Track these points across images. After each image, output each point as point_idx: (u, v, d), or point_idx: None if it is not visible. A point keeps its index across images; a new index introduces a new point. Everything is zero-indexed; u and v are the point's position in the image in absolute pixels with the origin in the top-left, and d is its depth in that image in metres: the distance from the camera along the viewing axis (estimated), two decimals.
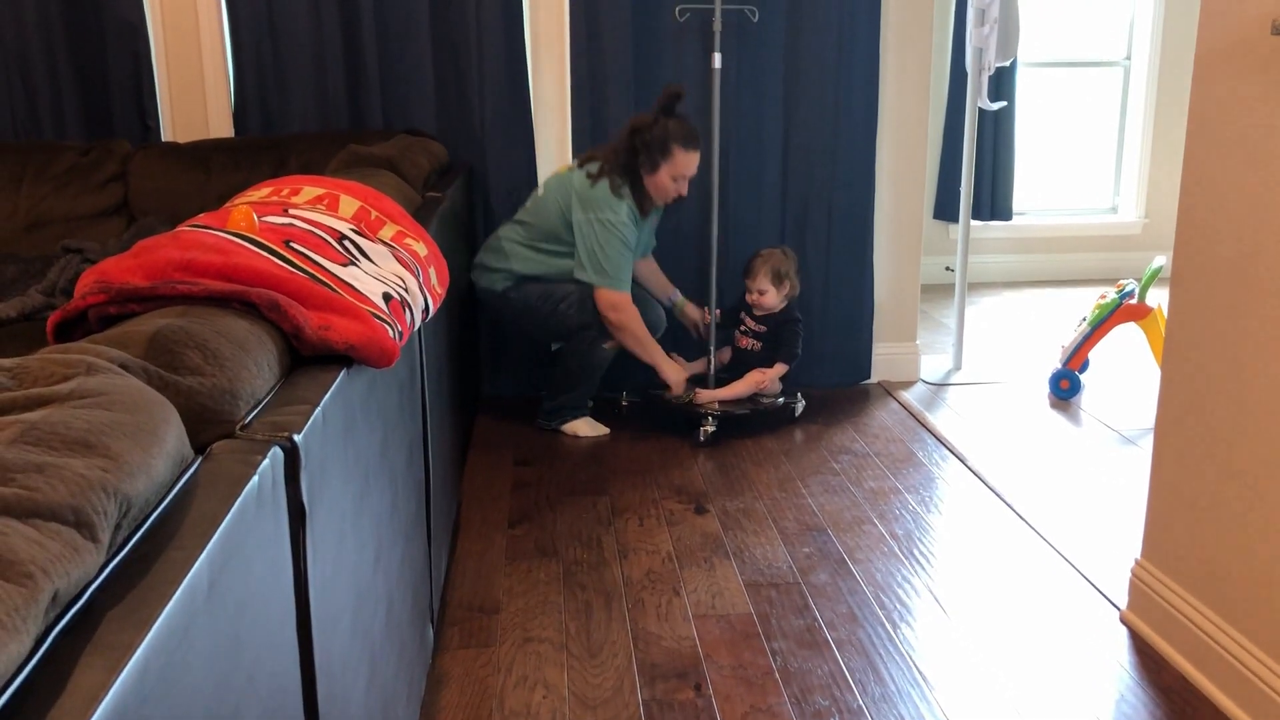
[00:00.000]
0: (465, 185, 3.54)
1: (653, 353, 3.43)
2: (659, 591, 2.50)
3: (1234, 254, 1.97)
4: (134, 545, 0.80)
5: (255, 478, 0.95)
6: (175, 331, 1.13)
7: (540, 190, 3.47)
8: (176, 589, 0.75)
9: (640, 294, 3.51)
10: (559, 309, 3.36)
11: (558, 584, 2.54)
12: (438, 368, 2.40)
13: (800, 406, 3.65)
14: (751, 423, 3.58)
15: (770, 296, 3.50)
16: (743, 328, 3.60)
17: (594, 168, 3.33)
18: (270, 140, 3.51)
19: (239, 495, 0.91)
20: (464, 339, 3.28)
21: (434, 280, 1.98)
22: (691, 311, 3.68)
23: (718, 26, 3.43)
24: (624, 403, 3.68)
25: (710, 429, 3.39)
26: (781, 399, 3.59)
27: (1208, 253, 2.05)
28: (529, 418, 3.64)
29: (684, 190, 3.37)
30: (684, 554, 2.68)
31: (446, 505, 2.55)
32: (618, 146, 3.34)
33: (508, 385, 3.88)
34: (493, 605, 2.45)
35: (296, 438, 1.06)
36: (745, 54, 3.65)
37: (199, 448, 1.03)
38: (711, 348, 3.58)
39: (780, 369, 3.56)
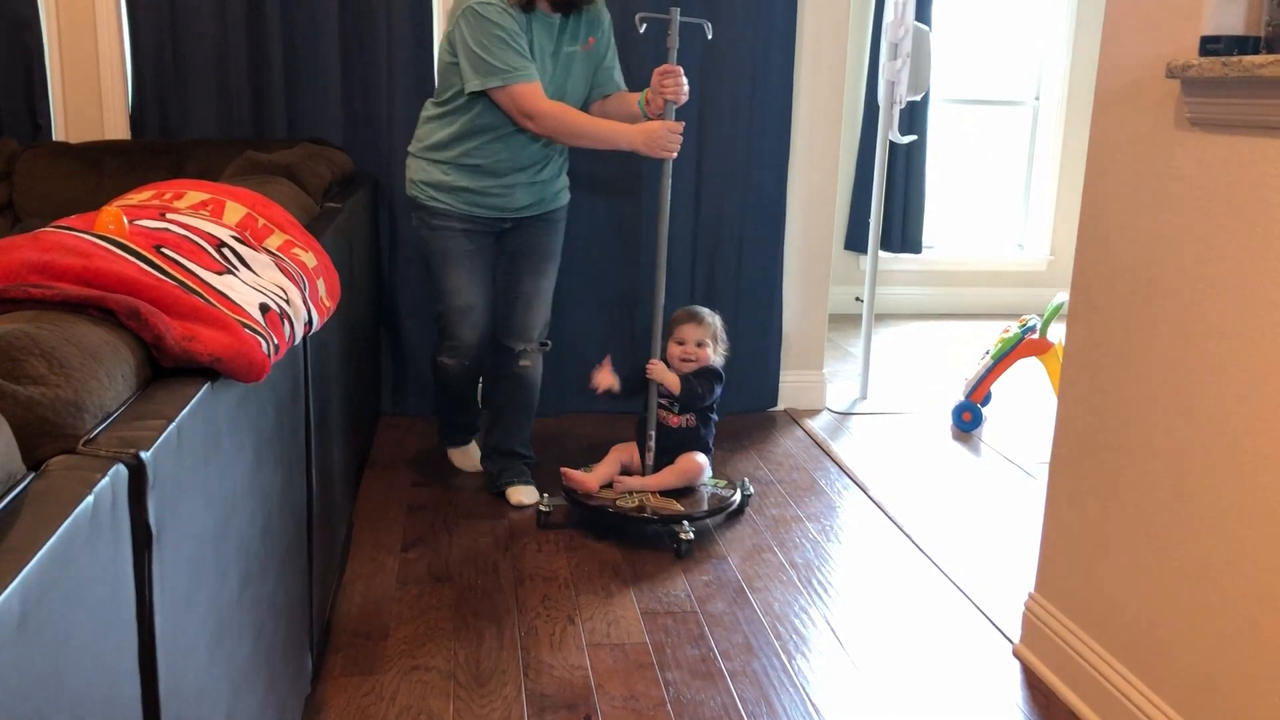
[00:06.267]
0: (369, 198, 3.46)
1: (604, 132, 2.74)
2: (553, 619, 2.44)
3: (1130, 292, 1.99)
4: None
5: (90, 498, 0.88)
6: (19, 337, 1.05)
7: None
8: None
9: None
10: (433, 272, 2.92)
11: (449, 610, 2.47)
12: (328, 384, 2.32)
13: (751, 492, 3.13)
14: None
15: (708, 350, 2.96)
16: (663, 402, 2.97)
17: None
18: (168, 145, 3.39)
19: (67, 517, 0.83)
20: (363, 354, 3.20)
21: (322, 293, 1.90)
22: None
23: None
24: (544, 509, 2.93)
25: (687, 536, 2.75)
26: (737, 494, 3.00)
27: (1105, 290, 2.08)
28: (430, 438, 3.55)
29: None
30: (581, 581, 2.63)
31: (334, 528, 2.46)
32: None
33: (410, 404, 3.79)
34: (380, 631, 2.36)
35: (144, 455, 0.99)
36: None
37: (35, 463, 0.95)
38: (651, 431, 2.95)
39: (699, 460, 2.96)
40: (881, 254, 5.44)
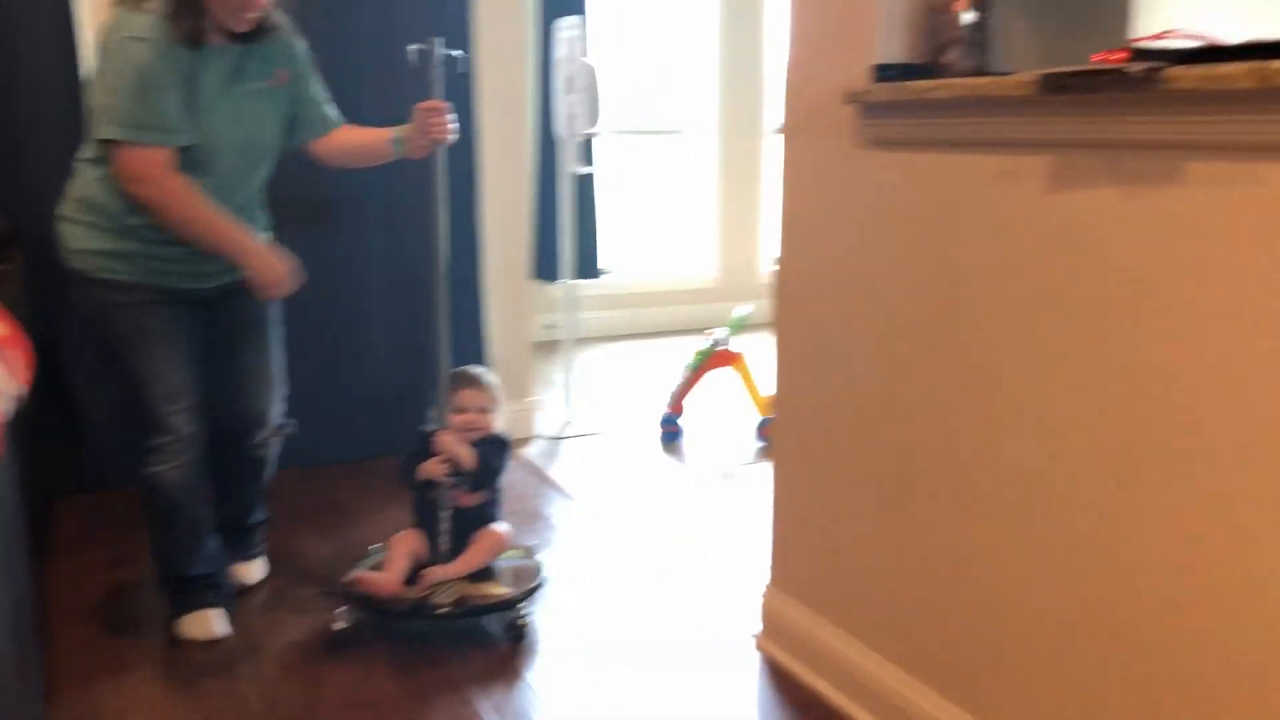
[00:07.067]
0: (26, 255, 3.14)
1: (222, 236, 2.32)
2: (298, 687, 2.31)
3: (831, 297, 2.18)
4: None
5: None
6: None
7: None
8: None
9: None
10: (125, 360, 2.39)
11: (180, 694, 2.28)
12: (13, 461, 2.08)
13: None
14: (374, 493, 3.44)
15: (491, 416, 2.65)
16: (452, 479, 2.57)
17: None
18: None
19: None
20: (39, 424, 2.89)
21: (18, 364, 1.72)
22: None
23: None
24: (338, 627, 2.51)
25: (525, 622, 2.52)
26: (540, 561, 2.70)
27: (807, 296, 2.25)
28: (120, 512, 3.25)
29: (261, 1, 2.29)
30: (317, 640, 2.50)
31: (34, 622, 2.21)
32: None
33: (89, 478, 3.46)
34: None
35: None
36: None
37: None
38: (444, 513, 2.56)
39: (502, 532, 2.65)
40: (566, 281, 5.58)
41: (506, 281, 3.96)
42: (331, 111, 2.61)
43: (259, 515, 2.83)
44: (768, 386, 4.02)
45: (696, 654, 2.46)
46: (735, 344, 4.11)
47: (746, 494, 3.48)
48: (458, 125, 2.52)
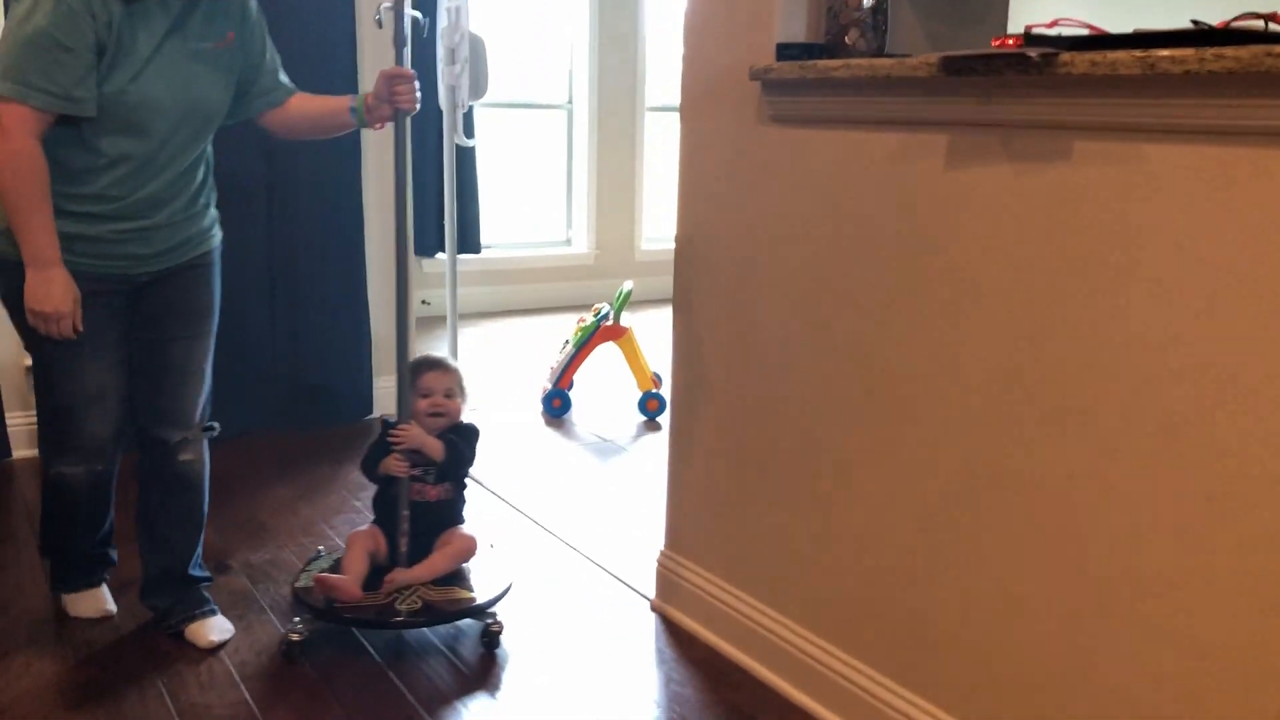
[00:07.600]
0: None
1: (29, 226, 1.99)
2: (194, 660, 2.27)
3: (730, 270, 2.25)
4: None
5: None
6: None
7: None
8: None
9: None
10: (43, 355, 2.17)
11: (65, 680, 2.21)
12: None
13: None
14: (255, 469, 3.38)
15: (458, 401, 2.50)
16: (417, 471, 2.43)
17: None
18: None
19: None
20: None
21: None
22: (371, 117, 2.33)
23: None
24: (296, 637, 2.30)
25: (498, 628, 2.37)
26: (502, 557, 2.62)
27: (706, 270, 2.32)
28: None
29: None
30: (279, 653, 2.34)
31: None
32: None
33: None
34: None
35: None
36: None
37: None
38: (405, 511, 2.41)
39: (471, 535, 2.50)
40: (443, 256, 5.54)
41: (390, 255, 3.92)
42: (285, 80, 2.35)
43: (200, 569, 2.44)
44: (652, 361, 4.10)
45: (594, 619, 2.51)
46: (622, 319, 4.17)
47: (631, 466, 3.55)
48: (420, 94, 2.35)
